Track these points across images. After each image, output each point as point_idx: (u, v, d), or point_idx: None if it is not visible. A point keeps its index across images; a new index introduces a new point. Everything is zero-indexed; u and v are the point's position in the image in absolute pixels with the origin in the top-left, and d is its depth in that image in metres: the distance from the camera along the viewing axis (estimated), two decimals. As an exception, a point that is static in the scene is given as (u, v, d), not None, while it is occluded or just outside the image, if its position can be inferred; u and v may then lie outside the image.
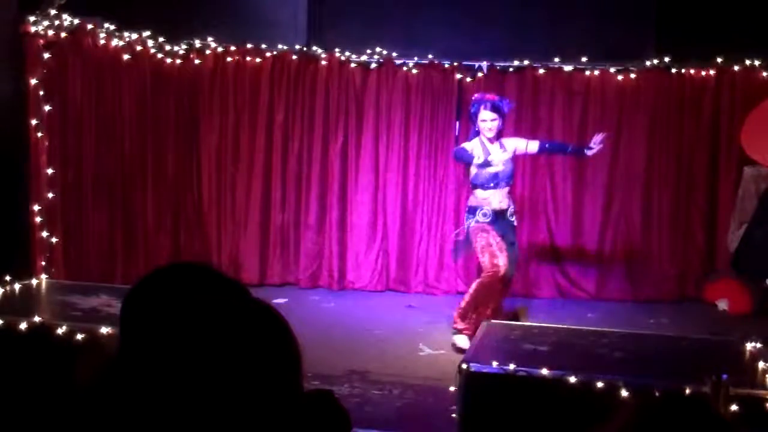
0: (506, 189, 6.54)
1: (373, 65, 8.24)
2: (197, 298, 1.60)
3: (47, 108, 6.88)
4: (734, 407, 3.64)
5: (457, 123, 8.21)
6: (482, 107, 6.44)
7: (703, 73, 8.02)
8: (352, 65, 8.24)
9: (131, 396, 1.49)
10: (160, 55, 7.96)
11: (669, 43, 8.06)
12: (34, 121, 6.81)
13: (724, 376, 3.66)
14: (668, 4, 8.26)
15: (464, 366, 4.10)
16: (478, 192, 6.49)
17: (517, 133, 8.13)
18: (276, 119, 8.27)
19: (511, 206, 6.61)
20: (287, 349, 1.48)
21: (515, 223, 6.73)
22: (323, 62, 8.22)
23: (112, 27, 7.43)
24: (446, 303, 7.86)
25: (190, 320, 1.45)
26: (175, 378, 1.41)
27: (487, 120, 6.39)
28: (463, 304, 6.46)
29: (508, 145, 6.52)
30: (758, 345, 4.51)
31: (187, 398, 1.40)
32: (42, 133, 6.86)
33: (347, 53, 8.21)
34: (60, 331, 4.64)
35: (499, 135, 6.49)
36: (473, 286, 6.48)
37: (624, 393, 3.88)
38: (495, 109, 6.40)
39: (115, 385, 1.55)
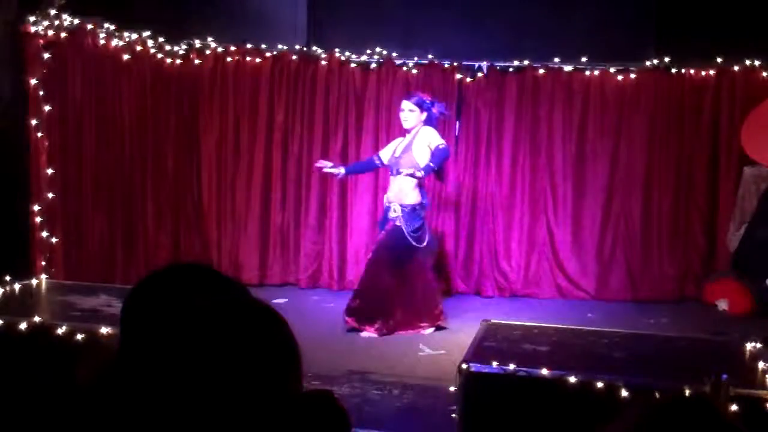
0: (403, 179, 6.58)
1: (373, 65, 8.23)
2: (197, 298, 1.60)
3: (47, 108, 6.89)
4: (734, 407, 3.64)
5: (457, 123, 8.21)
6: (404, 99, 6.84)
7: (703, 73, 8.02)
8: (352, 65, 8.24)
9: (131, 396, 1.49)
10: (160, 55, 7.96)
11: (669, 43, 8.06)
12: (34, 121, 6.82)
13: (724, 376, 3.66)
14: (668, 4, 8.26)
15: (464, 366, 4.10)
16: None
17: (516, 133, 8.18)
18: (276, 119, 8.27)
19: (402, 205, 6.55)
20: (286, 348, 1.48)
21: (398, 225, 6.55)
22: (323, 62, 8.22)
23: (112, 27, 7.44)
24: (446, 303, 7.87)
25: (190, 321, 1.45)
26: (174, 378, 1.41)
27: (405, 110, 6.70)
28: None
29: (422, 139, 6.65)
30: (758, 345, 4.51)
31: (186, 398, 1.39)
32: (42, 133, 6.86)
33: (347, 53, 8.21)
34: (60, 331, 4.64)
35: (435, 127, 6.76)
36: None
37: (624, 393, 3.88)
38: (417, 103, 6.69)
39: (116, 385, 1.55)
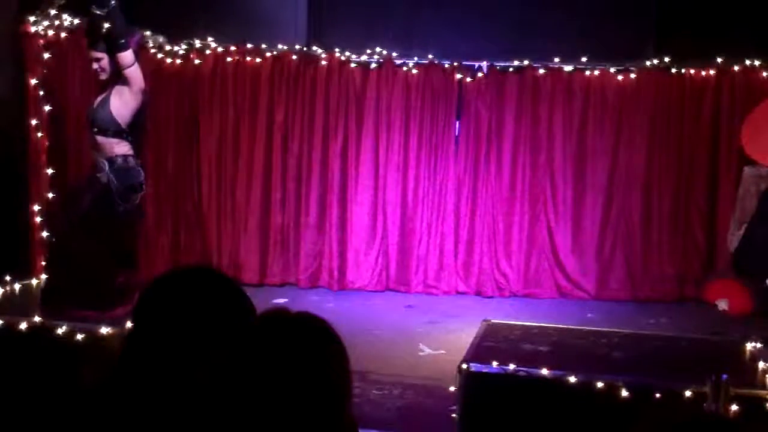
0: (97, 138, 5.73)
1: (373, 65, 8.23)
2: (214, 306, 1.60)
3: (47, 108, 6.88)
4: (734, 407, 3.65)
5: (457, 123, 8.21)
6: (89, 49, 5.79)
7: (703, 73, 8.01)
8: (352, 65, 8.23)
9: (135, 398, 1.49)
10: (160, 55, 7.96)
11: (669, 43, 8.06)
12: (34, 121, 6.82)
13: (724, 376, 3.66)
14: (668, 4, 8.26)
15: (464, 366, 4.11)
16: None
17: (516, 133, 8.18)
18: (276, 119, 8.27)
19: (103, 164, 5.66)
20: (341, 371, 1.45)
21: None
22: (323, 62, 8.22)
23: (112, 27, 7.42)
24: (446, 303, 7.88)
25: (197, 325, 1.45)
26: (177, 379, 1.41)
27: (95, 64, 5.85)
28: None
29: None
30: (758, 345, 4.52)
31: (189, 401, 1.39)
32: (42, 133, 6.86)
33: (347, 53, 8.21)
34: (60, 331, 4.65)
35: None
36: None
37: (624, 393, 3.88)
38: (106, 48, 5.77)
39: (121, 388, 1.55)
